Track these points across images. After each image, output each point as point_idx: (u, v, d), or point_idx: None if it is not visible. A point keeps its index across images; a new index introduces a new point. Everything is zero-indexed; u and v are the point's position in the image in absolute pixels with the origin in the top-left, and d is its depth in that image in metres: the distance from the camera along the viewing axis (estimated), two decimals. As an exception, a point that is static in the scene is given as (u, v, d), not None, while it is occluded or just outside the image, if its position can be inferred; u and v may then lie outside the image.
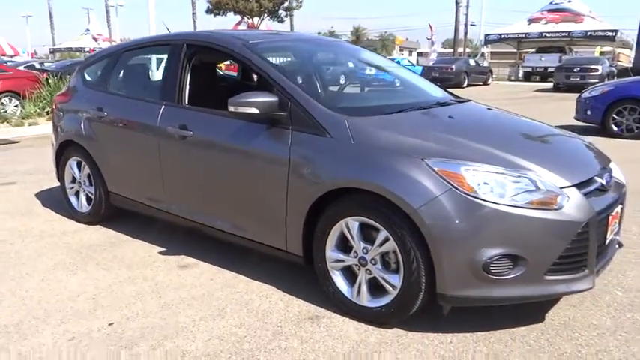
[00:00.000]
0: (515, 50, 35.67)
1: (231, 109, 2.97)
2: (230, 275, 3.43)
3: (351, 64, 4.25)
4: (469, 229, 2.44)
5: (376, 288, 2.77)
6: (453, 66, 24.49)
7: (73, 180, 4.55)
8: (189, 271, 3.50)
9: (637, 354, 2.53)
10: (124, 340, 2.68)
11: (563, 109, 10.69)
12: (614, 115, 9.26)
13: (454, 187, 2.45)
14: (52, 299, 3.12)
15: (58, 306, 3.04)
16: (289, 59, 3.77)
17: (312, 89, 3.13)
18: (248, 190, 3.18)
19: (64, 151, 4.55)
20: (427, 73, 25.17)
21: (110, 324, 2.84)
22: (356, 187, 2.69)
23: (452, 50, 54.67)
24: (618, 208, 2.90)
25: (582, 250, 2.57)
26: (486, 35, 32.03)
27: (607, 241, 2.80)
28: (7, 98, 11.67)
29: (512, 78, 30.23)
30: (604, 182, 2.77)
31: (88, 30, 41.65)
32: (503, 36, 31.45)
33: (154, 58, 3.96)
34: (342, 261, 2.85)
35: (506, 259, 2.46)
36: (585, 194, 2.61)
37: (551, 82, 23.06)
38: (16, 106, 11.71)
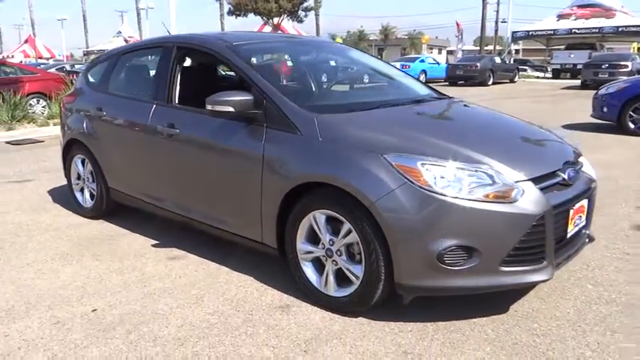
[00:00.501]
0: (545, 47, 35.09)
1: (209, 107, 3.13)
2: (214, 267, 3.58)
3: (334, 64, 4.35)
4: (423, 221, 2.53)
5: (342, 278, 2.88)
6: (478, 64, 24.22)
7: (78, 177, 4.79)
8: (177, 263, 3.67)
9: (591, 344, 2.58)
10: (103, 325, 2.86)
11: (585, 107, 10.56)
12: (631, 113, 9.11)
13: (410, 180, 2.55)
14: (44, 287, 3.33)
15: (49, 293, 3.25)
16: (271, 60, 3.91)
17: (288, 88, 3.26)
18: (227, 185, 3.33)
19: (69, 149, 4.79)
20: (451, 71, 25.07)
21: (93, 310, 3.03)
22: (321, 182, 2.81)
23: (488, 48, 54.10)
24: (583, 202, 2.94)
25: (539, 242, 2.63)
26: (513, 32, 31.56)
27: (569, 235, 2.85)
28: (35, 99, 12.15)
29: (540, 75, 29.75)
30: (566, 177, 2.82)
31: (119, 32, 42.73)
32: (530, 33, 30.97)
33: (148, 60, 4.14)
34: (312, 252, 2.98)
35: (460, 250, 2.55)
36: (543, 188, 2.67)
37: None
38: (43, 107, 12.19)
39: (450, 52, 67.80)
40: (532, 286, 3.09)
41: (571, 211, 2.80)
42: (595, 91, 10.13)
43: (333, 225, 2.86)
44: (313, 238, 2.97)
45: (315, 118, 2.95)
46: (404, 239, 2.57)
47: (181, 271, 3.54)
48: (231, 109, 3.08)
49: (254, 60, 3.52)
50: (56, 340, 2.71)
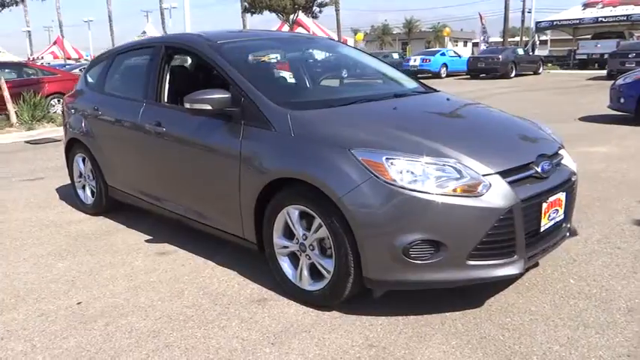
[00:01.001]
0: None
1: (187, 105, 3.19)
2: (201, 262, 3.66)
3: (318, 60, 4.36)
4: (389, 216, 2.54)
5: (316, 273, 2.91)
6: (500, 56, 23.82)
7: (80, 175, 4.92)
8: (166, 258, 3.75)
9: (561, 339, 2.56)
10: (85, 317, 2.95)
11: (606, 98, 10.30)
12: (648, 103, 8.88)
13: (375, 175, 2.56)
14: (36, 281, 3.45)
15: (39, 287, 3.36)
16: (255, 57, 3.94)
17: (266, 86, 3.29)
18: (209, 182, 3.40)
19: (71, 148, 4.93)
20: (472, 64, 24.75)
21: (78, 303, 3.13)
22: (294, 177, 2.85)
23: (514, 39, 53.04)
24: (560, 196, 2.90)
25: (508, 236, 2.62)
26: (537, 22, 30.95)
27: (544, 228, 2.82)
28: (55, 99, 12.46)
29: (566, 66, 29.12)
30: (539, 169, 2.79)
31: (144, 32, 43.23)
32: (555, 23, 30.31)
33: (140, 60, 4.23)
34: (287, 247, 3.02)
35: (426, 244, 2.55)
36: (512, 181, 2.65)
37: (609, 69, 22.04)
38: (63, 106, 12.47)
39: (475, 45, 66.83)
40: (511, 280, 3.08)
41: (544, 205, 2.77)
42: (612, 82, 9.90)
43: (306, 220, 2.89)
44: (289, 233, 3.00)
45: (289, 115, 2.98)
46: (370, 234, 2.59)
47: (169, 265, 3.62)
48: (208, 107, 3.13)
49: (251, 58, 3.58)
50: (38, 332, 2.81)
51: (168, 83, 3.88)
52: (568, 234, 3.12)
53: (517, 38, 52.83)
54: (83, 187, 4.92)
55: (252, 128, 3.10)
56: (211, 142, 3.31)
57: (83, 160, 4.81)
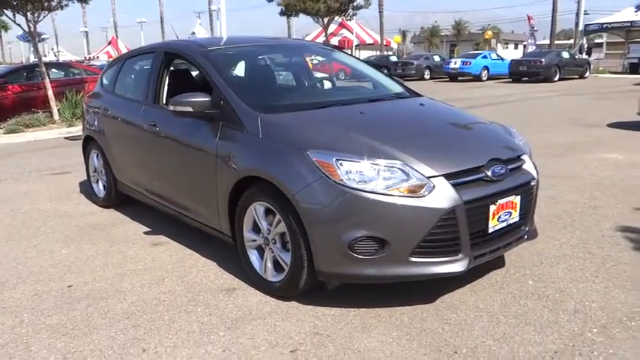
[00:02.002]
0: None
1: (171, 108, 3.46)
2: (188, 253, 3.93)
3: (303, 65, 4.54)
4: (336, 213, 2.73)
5: (279, 265, 3.12)
6: (543, 59, 23.29)
7: (95, 169, 5.31)
8: (158, 248, 4.05)
9: (496, 334, 2.68)
10: (71, 299, 3.27)
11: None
12: (677, 110, 8.64)
13: (326, 175, 2.75)
14: (38, 265, 3.81)
15: (39, 270, 3.71)
16: (240, 63, 4.18)
17: (244, 90, 3.51)
18: (194, 179, 3.67)
19: (87, 145, 5.32)
20: (514, 67, 24.31)
21: (69, 286, 3.45)
22: (259, 176, 3.07)
23: (569, 42, 51.51)
24: (513, 199, 3.01)
25: (451, 235, 2.76)
26: (586, 25, 30.06)
27: (493, 230, 2.94)
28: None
29: (618, 71, 28.15)
30: (489, 173, 2.91)
31: (193, 33, 44.45)
32: (605, 25, 29.36)
33: (145, 64, 4.55)
34: (255, 241, 3.24)
35: (370, 240, 2.72)
36: (458, 184, 2.79)
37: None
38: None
39: (525, 47, 65.26)
40: (470, 279, 3.21)
41: (492, 207, 2.89)
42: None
43: (271, 216, 3.11)
44: (257, 228, 3.23)
45: (259, 117, 3.21)
46: (320, 229, 2.78)
47: (158, 255, 3.91)
48: (190, 109, 3.40)
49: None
50: (28, 309, 3.14)
51: (167, 86, 4.18)
52: (525, 236, 3.21)
53: (572, 41, 51.31)
54: (97, 182, 5.30)
55: (228, 129, 3.34)
56: (194, 142, 3.58)
57: (97, 156, 5.19)
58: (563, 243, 3.90)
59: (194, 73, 4.76)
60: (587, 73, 25.99)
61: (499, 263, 3.51)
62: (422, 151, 2.90)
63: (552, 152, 7.30)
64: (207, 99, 3.41)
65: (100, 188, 5.25)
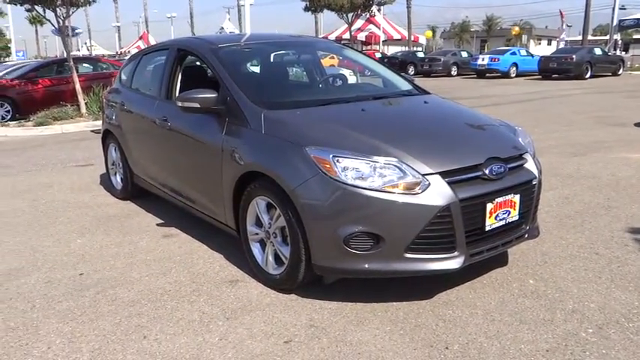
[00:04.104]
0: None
1: (179, 104, 3.56)
2: (197, 245, 4.03)
3: (312, 62, 4.57)
4: (332, 208, 2.78)
5: (280, 258, 3.19)
6: (574, 56, 22.79)
7: (113, 162, 5.46)
8: (168, 240, 4.16)
9: (490, 332, 2.70)
10: (82, 286, 3.40)
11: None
12: None
13: (322, 171, 2.81)
14: (53, 253, 3.96)
15: (54, 259, 3.86)
16: (250, 60, 4.25)
17: (250, 87, 3.58)
18: (202, 173, 3.76)
19: (106, 138, 5.48)
20: (544, 64, 23.86)
21: (80, 274, 3.58)
22: (260, 171, 3.14)
23: (605, 38, 50.23)
24: (512, 197, 3.01)
25: (447, 232, 2.78)
26: (620, 21, 29.29)
27: (490, 228, 2.95)
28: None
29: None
30: (487, 171, 2.92)
31: (222, 28, 44.81)
32: (640, 21, 28.58)
33: (159, 60, 4.66)
34: (257, 234, 3.32)
35: (365, 236, 2.77)
36: (454, 181, 2.81)
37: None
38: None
39: (558, 43, 63.87)
40: (470, 276, 3.22)
41: (489, 205, 2.90)
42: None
43: (272, 210, 3.18)
44: (259, 222, 3.30)
45: (262, 114, 3.28)
46: (317, 224, 2.84)
47: (168, 247, 4.02)
48: (197, 105, 3.49)
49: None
50: (40, 295, 3.28)
51: (179, 82, 4.28)
52: (526, 235, 3.21)
53: (607, 36, 50.07)
54: (115, 174, 5.46)
55: (233, 125, 3.42)
56: (201, 137, 3.67)
57: (115, 150, 5.34)
58: (570, 243, 3.87)
59: (207, 70, 4.84)
60: (621, 71, 25.38)
61: (502, 261, 3.51)
62: (419, 148, 2.92)
63: (574, 151, 7.19)
64: (213, 95, 3.49)
65: (117, 181, 5.40)
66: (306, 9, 17.71)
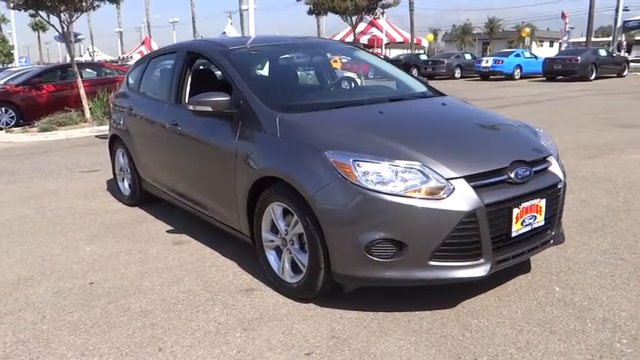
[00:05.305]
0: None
1: (190, 107, 3.46)
2: (209, 252, 3.93)
3: (323, 64, 4.47)
4: (353, 214, 2.68)
5: (297, 266, 3.09)
6: (579, 57, 22.66)
7: (120, 168, 5.37)
8: (179, 247, 4.06)
9: (520, 342, 2.59)
10: (93, 295, 3.30)
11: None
12: None
13: (342, 176, 2.71)
14: (62, 262, 3.86)
15: (63, 267, 3.76)
16: (261, 62, 4.15)
17: (263, 89, 3.49)
18: (214, 178, 3.67)
19: (113, 144, 5.39)
20: (549, 65, 23.74)
21: (91, 283, 3.48)
22: (276, 176, 3.04)
23: (607, 39, 50.18)
24: (538, 202, 2.91)
25: (472, 239, 2.68)
26: (625, 22, 29.23)
27: (516, 234, 2.84)
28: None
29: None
30: (512, 175, 2.81)
31: (224, 33, 44.85)
32: (645, 22, 28.46)
33: (168, 63, 4.58)
34: (273, 241, 3.22)
35: (387, 243, 2.66)
36: (479, 186, 2.70)
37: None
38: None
39: (560, 45, 63.71)
40: (494, 283, 3.12)
41: (515, 210, 2.80)
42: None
43: (289, 217, 3.08)
44: (275, 229, 3.20)
45: (277, 117, 3.18)
46: (336, 231, 2.74)
47: (179, 254, 3.92)
48: (209, 108, 3.39)
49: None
50: (50, 305, 3.19)
51: (189, 85, 4.19)
52: (551, 241, 3.10)
53: (610, 38, 49.99)
54: (123, 180, 5.36)
55: (247, 129, 3.32)
56: (213, 141, 3.58)
57: (122, 155, 5.24)
58: (593, 248, 3.76)
59: (217, 73, 4.76)
60: (626, 72, 25.25)
61: (525, 268, 3.40)
62: (442, 152, 2.82)
63: (585, 153, 7.08)
64: (226, 98, 3.40)
65: (125, 187, 5.31)
66: (310, 12, 17.63)
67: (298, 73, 4.37)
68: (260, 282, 3.37)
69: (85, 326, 2.92)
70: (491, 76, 26.12)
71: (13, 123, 12.06)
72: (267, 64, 4.16)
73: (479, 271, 2.73)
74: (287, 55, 4.38)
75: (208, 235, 4.21)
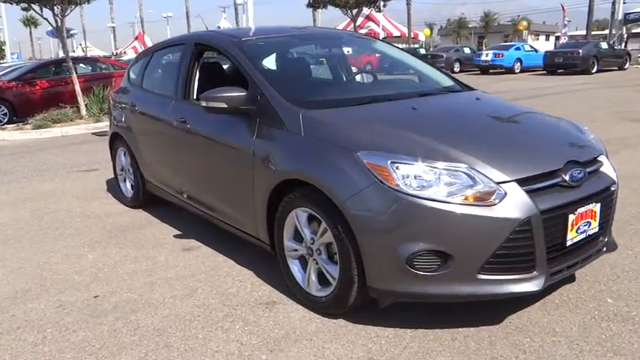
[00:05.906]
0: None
1: (203, 103, 3.16)
2: (222, 259, 3.64)
3: (341, 56, 4.16)
4: (392, 223, 2.39)
5: (324, 278, 2.80)
6: (580, 50, 22.41)
7: (122, 168, 5.06)
8: (189, 254, 3.76)
9: (581, 366, 2.32)
10: (98, 311, 3.00)
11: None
12: None
13: (379, 180, 2.41)
14: (63, 272, 3.56)
15: (64, 278, 3.46)
16: (277, 55, 3.84)
17: (283, 83, 3.19)
18: (228, 180, 3.37)
19: (114, 142, 5.07)
20: (549, 59, 23.50)
21: (95, 297, 3.18)
22: (301, 179, 2.75)
23: (603, 32, 49.89)
24: (593, 207, 2.63)
25: (525, 249, 2.40)
26: (626, 14, 28.97)
27: (571, 242, 2.56)
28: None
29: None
30: (567, 177, 2.53)
31: (219, 27, 44.39)
32: (645, 14, 28.25)
33: (174, 57, 4.27)
34: (297, 250, 2.92)
35: (431, 255, 2.38)
36: (533, 190, 2.42)
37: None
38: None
39: (558, 39, 63.47)
40: (538, 296, 2.83)
41: (571, 216, 2.51)
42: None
43: (315, 224, 2.78)
44: (299, 236, 2.91)
45: (300, 114, 2.88)
46: (373, 241, 2.45)
47: (189, 262, 3.62)
48: (224, 104, 3.09)
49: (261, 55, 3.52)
50: (52, 323, 2.88)
51: (197, 80, 3.88)
52: (604, 249, 2.83)
53: (606, 31, 49.79)
54: (124, 180, 5.05)
55: (266, 127, 3.03)
56: (228, 140, 3.28)
57: (124, 154, 4.93)
58: (639, 253, 3.49)
59: (225, 66, 4.45)
60: (627, 65, 25.05)
61: (569, 277, 3.11)
62: (489, 152, 2.53)
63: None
64: (242, 94, 3.09)
65: (127, 188, 4.99)
66: (309, 5, 17.27)
67: (319, 66, 4.06)
68: (281, 294, 3.08)
69: (92, 348, 2.62)
70: (490, 70, 25.85)
71: (5, 120, 11.69)
72: (285, 56, 3.84)
73: (532, 285, 2.44)
74: (303, 47, 4.06)
75: (219, 240, 3.91)
